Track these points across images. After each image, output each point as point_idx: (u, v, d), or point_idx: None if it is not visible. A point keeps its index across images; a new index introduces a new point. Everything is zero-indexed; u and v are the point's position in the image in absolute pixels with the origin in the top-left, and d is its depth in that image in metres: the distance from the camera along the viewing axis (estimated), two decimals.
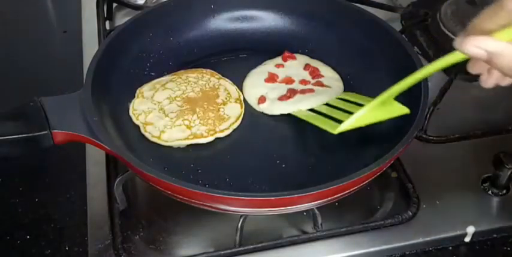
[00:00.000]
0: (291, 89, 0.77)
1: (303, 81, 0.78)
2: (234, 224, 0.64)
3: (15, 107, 0.65)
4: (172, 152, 0.70)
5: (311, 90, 0.76)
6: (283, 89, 0.77)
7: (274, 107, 0.75)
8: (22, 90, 0.85)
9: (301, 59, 0.81)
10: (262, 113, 0.75)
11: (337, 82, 0.78)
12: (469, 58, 0.53)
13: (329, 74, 0.79)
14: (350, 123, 0.65)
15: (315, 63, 0.81)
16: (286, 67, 0.80)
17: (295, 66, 0.80)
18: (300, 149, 0.71)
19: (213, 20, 0.84)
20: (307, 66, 0.80)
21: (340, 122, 0.65)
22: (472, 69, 0.58)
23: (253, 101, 0.76)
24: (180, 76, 0.77)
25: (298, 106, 0.74)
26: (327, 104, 0.73)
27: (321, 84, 0.77)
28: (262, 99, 0.76)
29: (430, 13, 0.92)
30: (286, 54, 0.81)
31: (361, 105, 0.67)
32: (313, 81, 0.78)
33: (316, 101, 0.75)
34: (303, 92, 0.76)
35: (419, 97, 0.66)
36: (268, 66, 0.80)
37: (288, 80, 0.78)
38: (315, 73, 0.79)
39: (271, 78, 0.78)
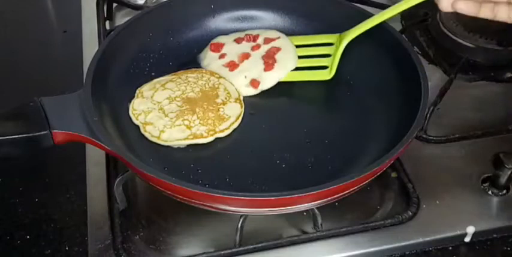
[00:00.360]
0: (263, 56, 0.78)
1: (255, 47, 0.80)
2: (234, 224, 0.64)
3: (15, 107, 0.65)
4: (172, 152, 0.70)
5: (276, 49, 0.79)
6: (255, 63, 0.78)
7: (268, 80, 0.77)
8: (22, 90, 0.85)
9: (225, 40, 0.82)
10: (263, 94, 0.76)
11: (273, 31, 0.81)
12: None
13: (258, 31, 0.82)
14: (336, 63, 0.76)
15: (238, 35, 0.82)
16: (228, 53, 0.80)
17: (231, 48, 0.81)
18: (300, 149, 0.71)
19: (213, 20, 0.84)
20: (238, 40, 0.81)
21: (322, 68, 0.77)
22: None
23: (246, 90, 0.77)
24: (180, 76, 0.77)
25: (287, 67, 0.77)
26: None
27: (271, 40, 0.80)
28: (254, 83, 0.77)
29: (430, 13, 0.92)
30: (212, 46, 0.81)
31: (320, 45, 0.79)
32: (259, 41, 0.80)
33: (291, 56, 0.78)
34: (274, 52, 0.78)
35: (419, 97, 0.66)
36: (216, 63, 0.80)
37: (245, 56, 0.79)
38: (251, 38, 0.81)
39: (232, 65, 0.79)
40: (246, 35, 0.81)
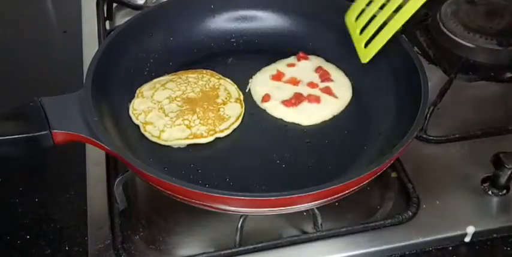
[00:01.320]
0: (298, 93, 0.76)
1: (311, 84, 0.77)
2: (234, 224, 0.64)
3: (15, 107, 0.65)
4: (172, 152, 0.70)
5: (317, 99, 0.75)
6: (289, 91, 0.77)
7: (277, 110, 0.75)
8: (22, 90, 0.85)
9: (315, 61, 0.81)
10: (265, 110, 0.76)
11: (346, 92, 0.77)
12: None
13: (340, 79, 0.79)
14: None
15: (328, 66, 0.80)
16: (297, 67, 0.80)
17: (306, 68, 0.80)
18: (300, 149, 0.71)
19: (213, 20, 0.84)
20: (318, 69, 0.79)
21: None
22: None
23: (258, 98, 0.77)
24: (180, 76, 0.78)
25: (300, 118, 0.74)
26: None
27: (329, 92, 0.76)
28: (266, 98, 0.76)
29: (430, 13, 0.92)
30: (301, 54, 0.81)
31: None
32: (321, 85, 0.77)
33: (318, 115, 0.74)
34: (309, 99, 0.75)
35: (419, 97, 0.66)
36: (280, 65, 0.80)
37: (294, 81, 0.78)
38: (324, 76, 0.78)
39: (278, 76, 0.79)
40: (324, 71, 0.79)
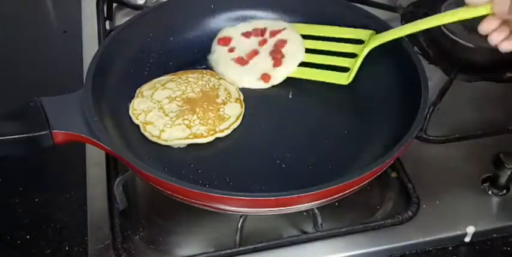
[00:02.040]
0: (272, 51, 0.78)
1: (261, 42, 0.79)
2: (234, 224, 0.64)
3: (15, 107, 0.65)
4: (172, 152, 0.70)
5: (284, 41, 0.78)
6: (264, 59, 0.78)
7: (279, 74, 0.77)
8: (22, 90, 0.85)
9: (234, 34, 0.81)
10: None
11: (279, 22, 0.81)
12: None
13: (264, 23, 0.81)
14: (357, 67, 0.72)
15: (245, 27, 0.82)
16: (237, 47, 0.80)
17: (240, 42, 0.81)
18: (300, 149, 0.71)
19: (213, 20, 0.84)
20: (245, 34, 0.81)
21: (339, 69, 0.75)
22: (484, 27, 0.63)
23: (256, 84, 0.77)
24: (180, 76, 0.77)
25: (296, 60, 0.77)
26: (308, 51, 0.78)
27: (276, 32, 0.79)
28: (265, 77, 0.77)
29: (430, 13, 0.92)
30: (221, 40, 0.81)
31: (337, 39, 0.76)
32: (266, 36, 0.80)
33: (298, 44, 0.78)
34: (281, 46, 0.78)
35: (419, 97, 0.66)
36: (226, 57, 0.80)
37: (253, 53, 0.79)
38: (259, 32, 0.80)
39: (240, 61, 0.79)
40: (254, 29, 0.81)
